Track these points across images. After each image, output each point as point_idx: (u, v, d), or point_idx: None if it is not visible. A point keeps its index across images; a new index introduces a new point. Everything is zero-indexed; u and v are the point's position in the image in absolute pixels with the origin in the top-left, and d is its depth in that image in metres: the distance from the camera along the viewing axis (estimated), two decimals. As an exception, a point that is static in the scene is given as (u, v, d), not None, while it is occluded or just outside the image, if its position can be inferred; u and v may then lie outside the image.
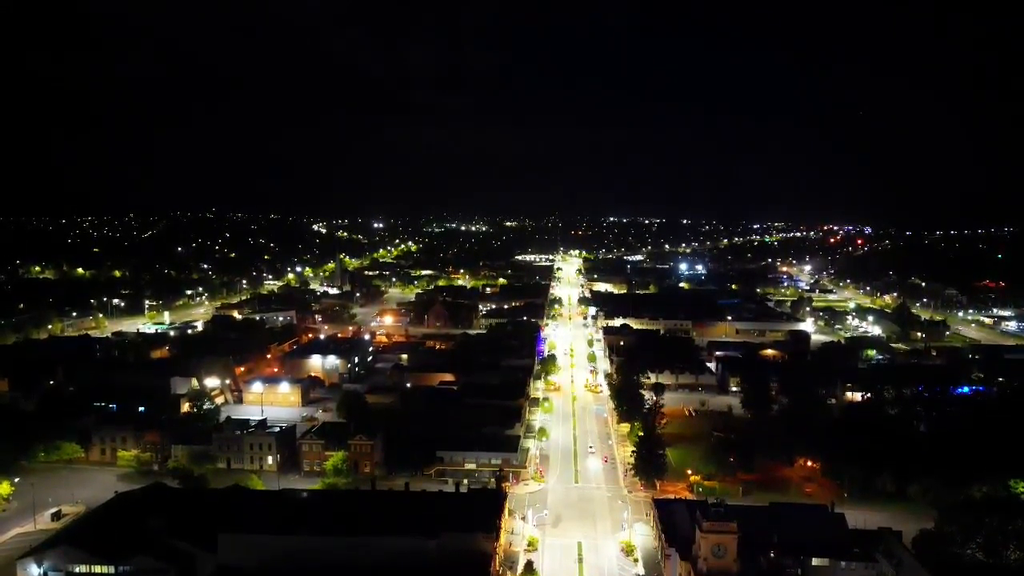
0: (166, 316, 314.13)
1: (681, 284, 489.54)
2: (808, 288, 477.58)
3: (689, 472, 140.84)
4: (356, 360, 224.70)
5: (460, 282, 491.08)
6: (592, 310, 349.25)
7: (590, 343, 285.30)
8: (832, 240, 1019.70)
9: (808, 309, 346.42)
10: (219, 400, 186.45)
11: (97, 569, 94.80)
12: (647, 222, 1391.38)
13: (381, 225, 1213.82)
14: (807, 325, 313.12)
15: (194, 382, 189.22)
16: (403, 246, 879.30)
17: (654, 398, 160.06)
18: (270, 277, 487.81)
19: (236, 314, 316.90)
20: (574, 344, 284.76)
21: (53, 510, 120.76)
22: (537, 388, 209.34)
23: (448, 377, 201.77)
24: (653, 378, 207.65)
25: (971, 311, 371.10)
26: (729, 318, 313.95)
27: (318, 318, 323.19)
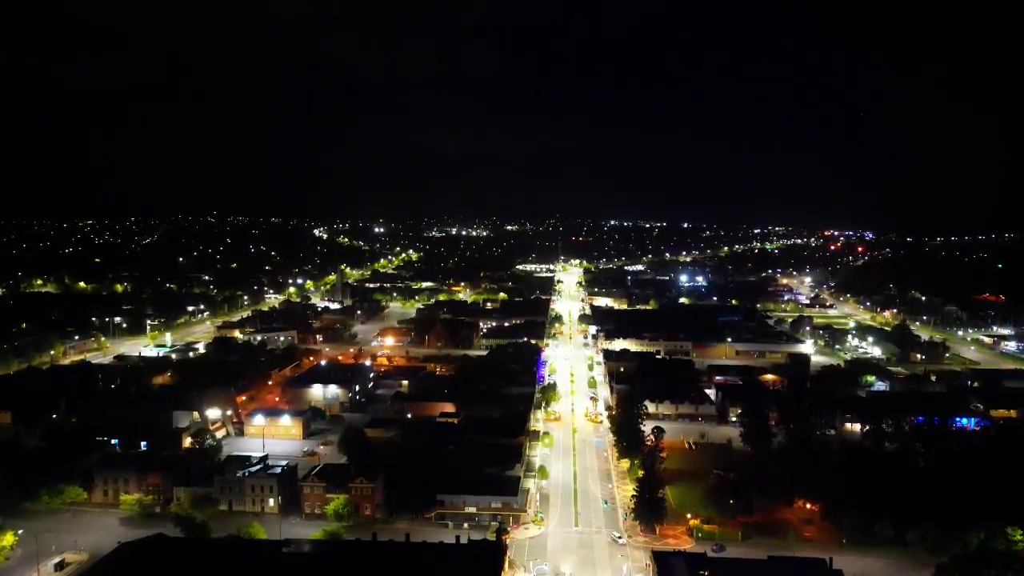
0: (168, 337, 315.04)
1: (682, 299, 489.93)
2: (808, 303, 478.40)
3: (689, 516, 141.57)
4: (357, 388, 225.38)
5: (461, 295, 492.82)
6: (592, 329, 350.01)
7: (590, 366, 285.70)
8: (833, 247, 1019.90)
9: (808, 329, 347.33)
10: (220, 433, 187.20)
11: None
12: (648, 226, 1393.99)
13: (382, 230, 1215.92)
14: (807, 346, 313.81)
15: (196, 415, 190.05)
16: (404, 254, 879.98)
17: (652, 438, 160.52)
18: (271, 292, 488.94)
19: (238, 334, 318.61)
20: (574, 367, 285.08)
21: (56, 559, 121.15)
22: (537, 418, 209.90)
23: (449, 407, 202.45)
24: (653, 408, 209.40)
25: (971, 329, 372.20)
26: (729, 340, 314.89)
27: (319, 338, 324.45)
